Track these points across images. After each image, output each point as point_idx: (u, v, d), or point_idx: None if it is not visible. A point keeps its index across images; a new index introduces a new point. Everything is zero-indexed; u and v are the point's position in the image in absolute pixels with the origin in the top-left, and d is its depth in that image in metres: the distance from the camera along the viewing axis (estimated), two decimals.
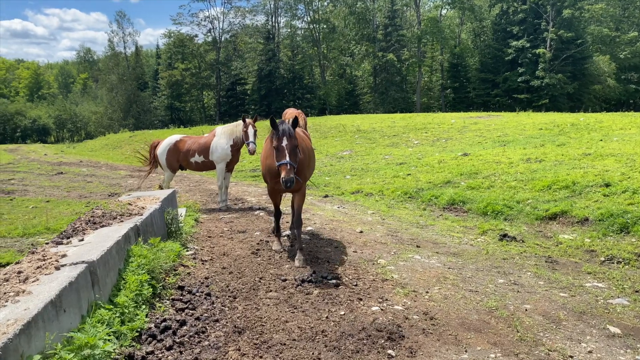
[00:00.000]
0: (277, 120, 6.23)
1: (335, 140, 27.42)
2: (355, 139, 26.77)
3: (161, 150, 11.59)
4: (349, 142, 25.93)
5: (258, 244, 7.84)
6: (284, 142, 6.02)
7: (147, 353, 3.70)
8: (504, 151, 16.51)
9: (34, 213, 12.46)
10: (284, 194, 7.99)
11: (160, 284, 5.00)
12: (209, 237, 8.42)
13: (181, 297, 5.02)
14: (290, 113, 28.57)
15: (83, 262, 3.94)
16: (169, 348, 3.85)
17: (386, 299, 5.42)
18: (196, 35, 68.77)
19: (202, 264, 6.51)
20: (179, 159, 11.60)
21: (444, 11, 66.10)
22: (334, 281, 5.92)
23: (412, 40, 62.62)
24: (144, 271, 4.77)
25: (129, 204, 6.64)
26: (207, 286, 5.59)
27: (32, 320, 2.92)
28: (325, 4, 67.92)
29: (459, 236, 9.04)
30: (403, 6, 64.91)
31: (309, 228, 9.32)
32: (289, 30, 69.66)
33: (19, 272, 3.75)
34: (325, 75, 67.82)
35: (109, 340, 3.58)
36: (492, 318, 5.07)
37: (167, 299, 4.96)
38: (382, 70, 61.97)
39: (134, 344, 3.82)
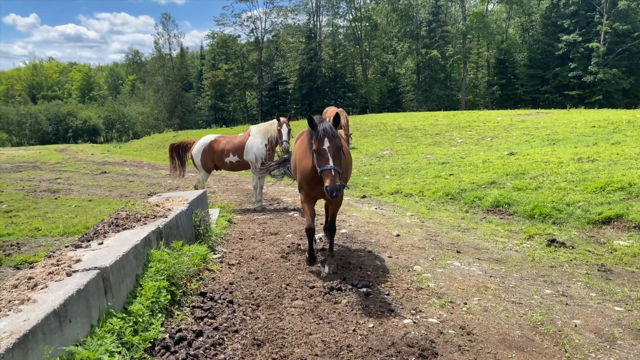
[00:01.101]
0: (315, 118, 5.47)
1: (376, 139, 26.94)
2: (396, 137, 26.20)
3: (196, 151, 11.52)
4: (390, 141, 25.40)
5: (289, 247, 7.58)
6: (326, 144, 5.22)
7: None
8: (553, 150, 15.65)
9: (76, 212, 12.66)
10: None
11: (180, 290, 4.80)
12: (240, 239, 8.23)
13: (202, 305, 4.80)
14: (331, 111, 28.26)
15: (96, 268, 3.76)
16: None
17: (420, 311, 5.03)
18: (239, 36, 69.62)
19: (229, 268, 6.30)
20: (213, 159, 11.50)
21: (490, 6, 64.20)
22: (364, 290, 5.57)
23: (457, 36, 61.15)
24: (162, 277, 4.58)
25: (157, 205, 6.50)
26: (230, 292, 5.36)
27: (29, 332, 2.74)
28: (368, 1, 67.28)
29: (502, 241, 8.50)
30: (447, 2, 63.42)
31: (343, 230, 8.99)
32: (331, 28, 69.39)
33: (30, 278, 3.60)
34: (367, 73, 67.19)
35: (118, 352, 3.38)
36: (537, 334, 4.60)
37: (187, 306, 4.75)
38: (425, 67, 60.83)
39: (145, 356, 3.61)
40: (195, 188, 11.93)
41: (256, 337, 4.20)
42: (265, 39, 69.61)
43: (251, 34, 68.93)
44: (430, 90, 59.20)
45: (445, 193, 12.71)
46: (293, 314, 4.85)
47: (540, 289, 5.87)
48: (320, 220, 9.21)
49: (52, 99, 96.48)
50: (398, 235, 8.67)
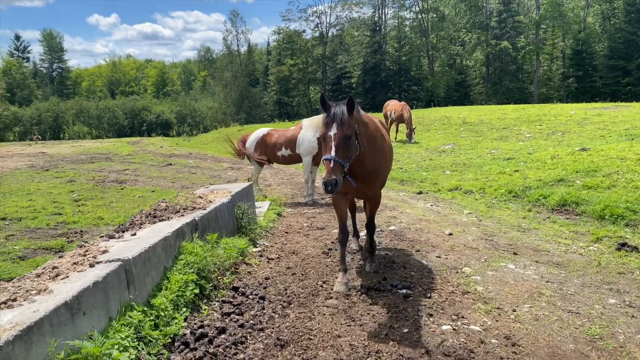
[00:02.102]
0: (329, 102, 4.79)
1: (438, 133, 26.13)
2: (460, 131, 25.28)
3: (249, 144, 11.56)
4: (453, 135, 24.54)
5: (332, 242, 7.36)
6: (332, 130, 4.55)
7: None
8: (631, 146, 14.39)
9: (138, 202, 13.11)
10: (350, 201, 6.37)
11: (210, 284, 4.71)
12: (286, 232, 8.12)
13: (232, 300, 4.69)
14: (392, 105, 27.62)
15: (118, 259, 3.73)
16: None
17: (462, 317, 4.66)
18: (304, 31, 70.07)
19: (268, 262, 6.18)
20: (266, 153, 11.48)
21: None
22: (404, 291, 5.26)
23: (530, 26, 58.25)
24: (192, 270, 4.51)
25: (200, 197, 6.49)
26: (264, 288, 5.23)
27: (34, 324, 2.70)
28: None
29: (566, 243, 7.85)
30: None
31: (392, 227, 8.65)
32: (396, 21, 68.20)
33: (54, 268, 3.62)
34: (433, 66, 65.52)
35: (133, 347, 3.32)
36: (594, 350, 4.12)
37: (217, 301, 4.66)
38: (495, 59, 58.45)
39: (163, 351, 3.53)
40: (249, 181, 11.99)
41: (280, 337, 4.02)
42: (329, 34, 69.59)
43: (316, 29, 69.21)
44: (500, 82, 56.81)
45: (508, 190, 12.02)
46: (324, 314, 4.63)
47: (603, 298, 5.31)
48: (363, 217, 8.94)
49: (130, 94, 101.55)
50: (450, 234, 8.23)
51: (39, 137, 58.31)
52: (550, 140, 19.18)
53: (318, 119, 11.45)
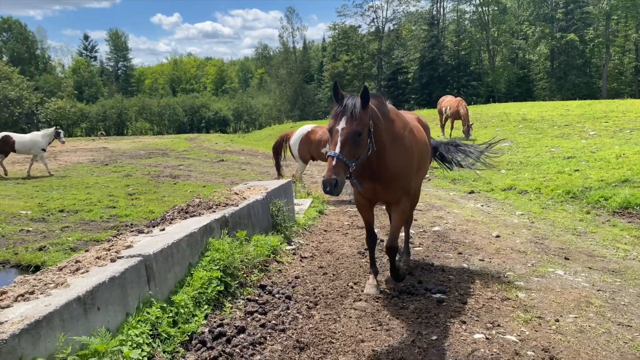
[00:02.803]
0: (342, 92, 4.29)
1: (496, 130, 25.13)
2: (519, 128, 24.21)
3: (293, 141, 11.51)
4: (511, 133, 23.52)
5: None
6: (341, 124, 4.07)
7: None
8: None
9: (189, 197, 13.38)
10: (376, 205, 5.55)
11: (236, 282, 4.65)
12: (324, 230, 8.00)
13: (257, 298, 4.61)
14: (447, 101, 26.85)
15: (139, 255, 3.73)
16: (213, 359, 3.43)
17: (498, 325, 4.36)
18: (359, 26, 69.55)
19: (300, 260, 6.07)
20: (310, 150, 11.39)
21: None
22: (438, 295, 5.00)
23: (600, 17, 54.97)
24: (217, 267, 4.47)
25: (236, 193, 6.48)
26: (293, 287, 5.12)
27: (43, 318, 2.71)
28: None
29: (625, 248, 7.28)
30: None
31: (436, 228, 8.34)
32: (456, 14, 66.38)
33: (76, 262, 3.66)
34: (494, 60, 63.30)
35: (147, 343, 3.29)
36: None
37: (242, 299, 4.59)
38: (560, 52, 55.66)
39: (179, 349, 3.49)
40: (294, 177, 11.95)
41: (301, 339, 3.89)
42: (386, 28, 68.77)
43: (372, 24, 68.54)
44: (566, 77, 54.09)
45: (565, 191, 11.35)
46: (351, 317, 4.47)
47: None
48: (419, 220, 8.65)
49: (190, 92, 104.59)
50: (498, 237, 7.82)
51: (103, 133, 61.22)
52: (617, 138, 17.99)
53: None
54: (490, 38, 62.17)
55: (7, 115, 53.26)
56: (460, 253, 6.77)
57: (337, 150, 3.98)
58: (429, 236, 7.80)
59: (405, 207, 4.95)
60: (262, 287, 4.92)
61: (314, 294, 4.99)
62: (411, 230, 7.98)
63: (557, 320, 4.49)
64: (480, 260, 6.46)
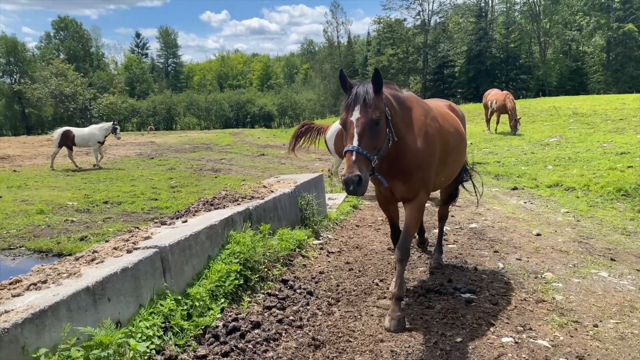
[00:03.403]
0: (350, 80, 3.88)
1: (544, 124, 24.17)
2: (569, 123, 23.18)
3: (329, 135, 11.37)
4: (561, 127, 22.55)
5: None
6: (354, 115, 3.64)
7: (197, 357, 3.27)
8: None
9: None
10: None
11: (256, 275, 4.58)
12: (356, 226, 7.84)
13: (277, 293, 4.52)
14: (493, 94, 25.99)
15: (155, 246, 3.70)
16: (225, 354, 3.36)
17: (529, 328, 4.09)
18: (404, 19, 68.47)
19: (327, 255, 5.95)
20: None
21: None
22: (467, 295, 4.77)
23: None
24: (237, 260, 4.40)
25: (264, 186, 6.42)
26: (316, 282, 5.01)
27: (48, 308, 2.70)
28: None
29: None
30: None
31: (473, 225, 8.03)
32: (505, 6, 64.28)
33: (94, 252, 3.68)
34: (545, 53, 60.96)
35: (158, 336, 3.26)
36: None
37: (262, 293, 4.51)
38: (617, 44, 52.99)
39: (191, 342, 3.44)
40: (330, 172, 11.84)
41: (317, 337, 3.77)
42: (432, 21, 67.43)
43: (418, 17, 67.36)
44: (623, 70, 51.46)
45: (616, 188, 10.72)
46: (372, 315, 4.31)
47: None
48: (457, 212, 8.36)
49: (236, 88, 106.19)
50: (539, 235, 7.44)
51: (152, 127, 62.99)
52: None
53: None
54: (541, 30, 59.87)
55: (62, 110, 55.72)
56: (496, 251, 6.47)
57: (355, 142, 3.55)
58: (464, 233, 7.52)
59: (421, 203, 4.40)
60: (284, 281, 4.84)
61: (336, 290, 4.86)
62: (446, 227, 7.73)
63: (596, 326, 4.18)
64: (517, 259, 6.15)
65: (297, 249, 5.68)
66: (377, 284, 5.06)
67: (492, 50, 59.41)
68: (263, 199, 5.59)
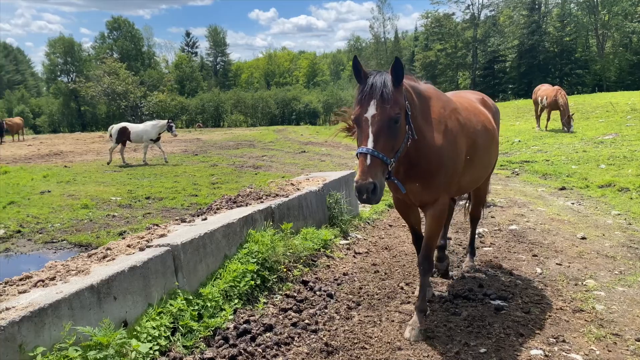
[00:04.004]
0: (365, 69, 3.42)
1: (599, 121, 22.97)
2: (627, 120, 21.92)
3: None
4: (617, 124, 21.35)
5: None
6: (370, 111, 3.23)
7: (202, 359, 3.18)
8: None
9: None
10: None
11: (274, 276, 4.46)
12: (390, 225, 7.61)
13: (296, 295, 4.39)
14: (543, 90, 24.94)
15: (167, 245, 3.65)
16: (232, 358, 3.25)
17: (562, 340, 3.78)
18: (453, 14, 66.86)
19: (354, 256, 5.77)
20: None
21: None
22: (497, 302, 4.48)
23: None
24: (254, 260, 4.30)
25: (292, 184, 6.31)
26: (338, 284, 4.84)
27: (48, 306, 2.67)
28: None
29: None
30: None
31: (513, 227, 7.64)
32: None
33: (108, 249, 3.66)
34: (603, 46, 58.01)
35: (165, 336, 3.19)
36: None
37: (280, 294, 4.39)
38: None
39: (200, 344, 3.36)
40: None
41: (331, 342, 3.61)
42: (482, 15, 65.54)
43: (467, 11, 65.59)
44: None
45: None
46: (393, 320, 4.11)
47: None
48: (495, 213, 7.99)
49: (283, 85, 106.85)
50: (583, 239, 6.99)
51: (201, 124, 64.31)
52: None
53: None
54: (599, 22, 56.99)
55: (114, 107, 57.73)
56: (535, 255, 6.10)
57: (370, 144, 3.12)
58: (503, 235, 7.15)
59: (442, 209, 3.93)
60: (304, 282, 4.70)
61: (358, 293, 4.68)
62: (484, 229, 7.40)
63: (638, 340, 3.82)
64: (557, 264, 5.77)
65: (322, 249, 5.53)
66: (402, 288, 4.85)
67: (545, 44, 57.12)
68: (287, 197, 5.48)
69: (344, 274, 5.13)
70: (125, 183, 14.63)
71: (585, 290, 4.88)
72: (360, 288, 4.80)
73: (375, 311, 4.28)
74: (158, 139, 19.66)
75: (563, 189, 11.74)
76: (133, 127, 19.49)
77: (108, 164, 19.07)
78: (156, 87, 61.74)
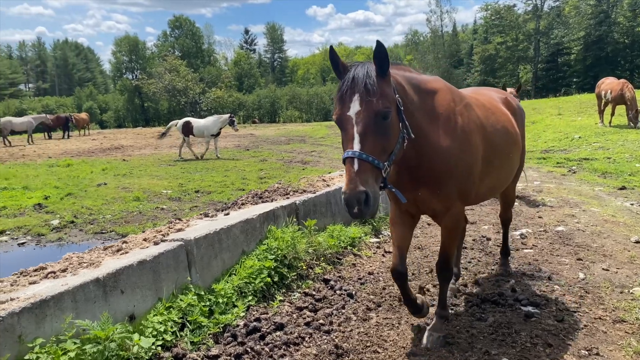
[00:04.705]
0: (343, 61, 3.02)
1: None
2: None
3: None
4: None
5: (474, 240, 6.41)
6: (352, 108, 2.75)
7: (208, 357, 3.15)
8: None
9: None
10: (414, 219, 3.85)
11: (293, 273, 4.39)
12: (428, 224, 7.36)
13: (314, 293, 4.30)
14: (607, 83, 23.56)
15: (181, 239, 3.65)
16: (238, 356, 3.20)
17: (596, 353, 3.48)
18: (514, 5, 64.28)
19: (383, 255, 5.60)
20: None
21: None
22: (528, 308, 4.20)
23: None
24: (273, 256, 4.25)
25: (323, 180, 6.23)
26: (361, 284, 4.71)
27: (50, 298, 2.72)
28: None
29: None
30: None
31: (560, 228, 7.20)
32: None
33: (124, 242, 3.71)
34: None
35: (172, 332, 3.19)
36: None
37: (299, 292, 4.31)
38: None
39: (208, 340, 3.34)
40: None
41: (341, 345, 3.49)
42: (545, 6, 62.63)
43: (529, 2, 62.86)
44: None
45: None
46: (412, 324, 3.93)
47: None
48: (485, 212, 7.58)
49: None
50: (638, 242, 6.48)
51: (256, 120, 65.44)
52: None
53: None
54: None
55: (174, 103, 59.73)
56: (579, 259, 5.71)
57: (356, 146, 2.63)
58: (548, 237, 6.76)
59: (456, 219, 3.52)
60: (325, 281, 4.60)
61: (381, 294, 4.53)
62: (528, 229, 7.04)
63: None
64: (604, 269, 5.37)
65: (349, 247, 5.41)
66: (428, 290, 4.66)
67: (615, 35, 53.87)
68: (314, 193, 5.39)
69: (369, 273, 4.99)
70: (177, 177, 15.06)
71: (631, 299, 4.50)
72: (384, 288, 4.65)
73: (395, 313, 4.13)
74: (218, 134, 20.15)
75: (623, 188, 10.97)
76: (196, 122, 20.12)
77: (180, 157, 19.75)
78: (215, 83, 63.33)
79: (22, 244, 7.94)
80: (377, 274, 5.02)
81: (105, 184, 13.48)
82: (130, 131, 42.21)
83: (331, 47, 3.04)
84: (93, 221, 9.33)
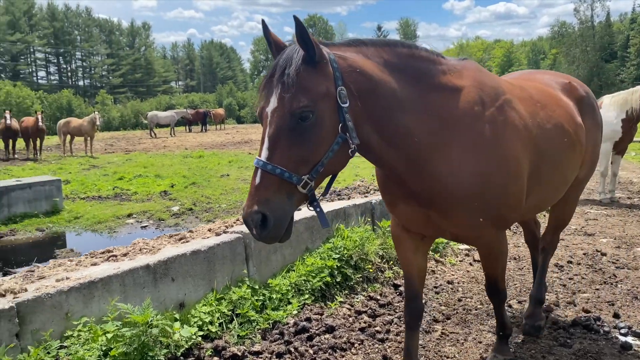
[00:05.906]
0: (278, 39, 2.31)
1: None
2: None
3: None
4: None
5: (584, 254, 5.64)
6: (272, 103, 2.11)
7: (250, 352, 3.11)
8: None
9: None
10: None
11: (359, 275, 4.20)
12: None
13: (379, 298, 4.06)
14: None
15: (241, 232, 3.68)
16: (279, 355, 3.12)
17: None
18: None
19: (470, 264, 5.15)
20: None
21: None
22: (627, 339, 3.52)
23: None
24: (337, 255, 4.10)
25: None
26: (436, 293, 4.35)
27: (99, 281, 2.88)
28: None
29: None
30: None
31: None
32: None
33: (190, 232, 3.84)
34: None
35: (219, 323, 3.22)
36: None
37: (362, 295, 4.11)
38: None
39: (255, 335, 3.31)
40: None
41: (390, 357, 3.24)
42: None
43: None
44: None
45: None
46: (480, 342, 3.52)
47: None
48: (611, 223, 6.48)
49: None
50: None
51: None
52: None
53: (624, 94, 9.01)
54: None
55: None
56: None
57: (263, 154, 2.06)
58: None
59: (492, 245, 2.78)
60: (395, 286, 4.34)
61: (454, 305, 4.15)
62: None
63: None
64: None
65: (431, 252, 5.06)
66: (510, 306, 4.17)
67: None
68: None
69: (448, 282, 4.61)
70: None
71: None
72: (459, 300, 4.26)
73: (464, 328, 3.75)
74: None
75: None
76: None
77: None
78: None
79: (145, 227, 8.67)
80: (457, 283, 4.63)
81: (228, 175, 14.30)
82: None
83: (263, 21, 2.28)
84: (209, 209, 9.89)
